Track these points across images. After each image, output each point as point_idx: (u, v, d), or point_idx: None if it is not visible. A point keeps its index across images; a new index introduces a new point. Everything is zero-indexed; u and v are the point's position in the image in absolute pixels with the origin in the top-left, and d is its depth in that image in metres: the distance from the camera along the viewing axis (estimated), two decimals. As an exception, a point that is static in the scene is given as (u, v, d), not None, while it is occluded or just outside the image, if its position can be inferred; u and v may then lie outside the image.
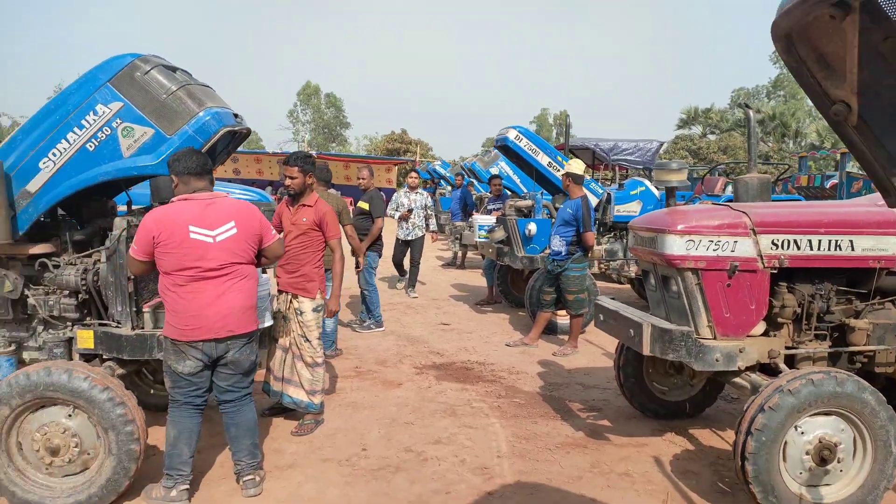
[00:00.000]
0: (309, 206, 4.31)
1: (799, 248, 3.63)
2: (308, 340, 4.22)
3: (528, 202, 7.98)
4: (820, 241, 3.62)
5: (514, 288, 8.45)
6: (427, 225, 9.24)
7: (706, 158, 34.95)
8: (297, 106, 59.81)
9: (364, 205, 7.14)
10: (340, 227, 5.02)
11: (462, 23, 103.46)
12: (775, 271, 3.64)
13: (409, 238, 9.07)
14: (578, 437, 4.29)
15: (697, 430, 4.41)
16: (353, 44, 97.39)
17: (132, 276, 3.37)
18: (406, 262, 9.59)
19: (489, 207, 10.19)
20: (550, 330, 6.97)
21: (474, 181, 14.81)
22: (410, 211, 8.94)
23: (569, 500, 3.44)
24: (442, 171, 20.98)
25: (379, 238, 7.14)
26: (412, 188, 9.21)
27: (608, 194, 8.22)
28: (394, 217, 8.90)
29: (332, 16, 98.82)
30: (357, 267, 6.74)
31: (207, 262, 3.08)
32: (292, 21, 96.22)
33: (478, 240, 8.41)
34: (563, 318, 6.91)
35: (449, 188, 17.38)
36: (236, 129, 3.47)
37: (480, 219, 8.67)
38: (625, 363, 4.55)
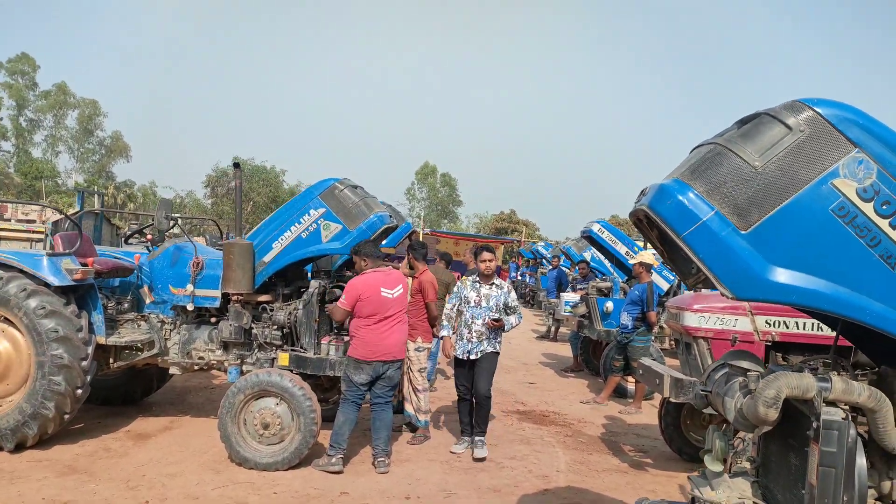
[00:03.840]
0: (417, 277, 6.12)
1: (787, 327, 4.88)
2: (412, 371, 5.91)
3: (608, 283, 9.38)
4: (805, 323, 4.84)
5: (594, 357, 9.73)
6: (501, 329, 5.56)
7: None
8: (415, 184, 64.37)
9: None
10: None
11: (571, 101, 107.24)
12: (769, 343, 4.89)
13: (472, 356, 5.49)
14: (623, 466, 5.57)
15: (722, 472, 5.51)
16: (470, 125, 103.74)
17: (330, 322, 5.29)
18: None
19: (578, 287, 11.61)
20: (621, 394, 8.18)
21: (574, 264, 16.27)
22: (497, 322, 5.44)
23: (602, 499, 4.76)
24: (544, 251, 22.56)
25: None
26: (485, 277, 5.59)
27: (679, 280, 9.42)
28: (445, 323, 5.72)
29: (453, 99, 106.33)
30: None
31: (388, 311, 4.93)
32: (415, 105, 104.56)
33: (563, 313, 9.85)
34: (631, 384, 8.11)
35: (549, 267, 18.93)
36: (390, 225, 5.36)
37: (567, 296, 10.14)
38: (666, 413, 5.80)
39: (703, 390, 2.49)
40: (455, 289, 5.80)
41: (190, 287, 5.38)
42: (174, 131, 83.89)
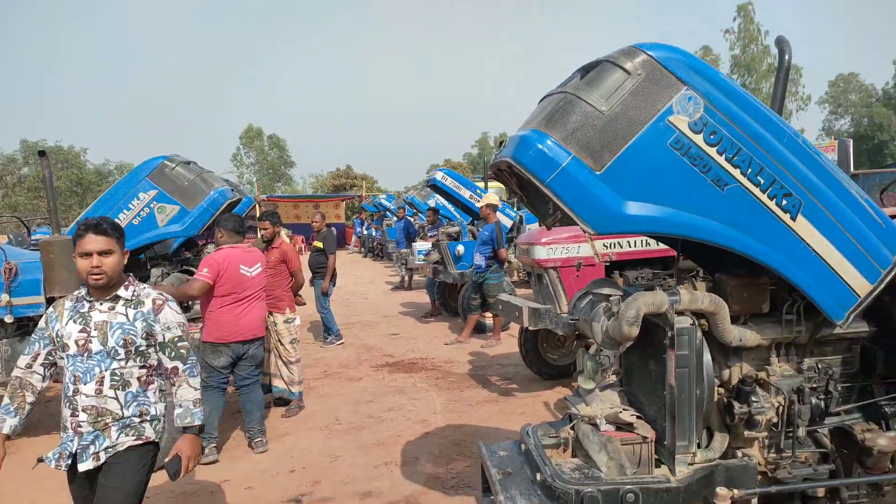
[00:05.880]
0: (276, 247, 5.90)
1: (621, 247, 5.43)
2: (283, 344, 5.75)
3: (457, 228, 9.72)
4: (634, 241, 5.42)
5: (450, 300, 10.12)
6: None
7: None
8: (241, 149, 60.72)
9: (319, 244, 8.60)
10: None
11: (398, 53, 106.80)
12: (608, 263, 5.42)
13: (83, 465, 2.48)
14: (493, 396, 5.95)
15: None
16: (291, 84, 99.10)
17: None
18: None
19: (429, 234, 11.89)
20: (481, 329, 8.64)
21: (418, 213, 16.54)
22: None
23: (480, 430, 5.07)
24: (387, 203, 22.64)
25: (334, 270, 8.59)
26: (99, 291, 2.56)
27: (521, 216, 10.03)
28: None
29: (268, 58, 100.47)
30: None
31: (247, 290, 4.71)
32: (229, 67, 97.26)
33: (417, 262, 10.08)
34: (489, 319, 8.59)
35: (395, 219, 19.09)
36: (233, 200, 5.04)
37: (419, 245, 10.35)
38: (525, 341, 6.25)
39: (571, 319, 2.71)
40: (43, 319, 2.67)
41: (5, 297, 4.68)
42: None
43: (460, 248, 9.02)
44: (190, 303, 5.63)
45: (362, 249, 26.67)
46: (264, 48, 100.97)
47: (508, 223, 9.72)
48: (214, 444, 4.77)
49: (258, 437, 4.94)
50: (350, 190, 39.45)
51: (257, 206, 19.47)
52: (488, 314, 8.48)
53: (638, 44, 2.14)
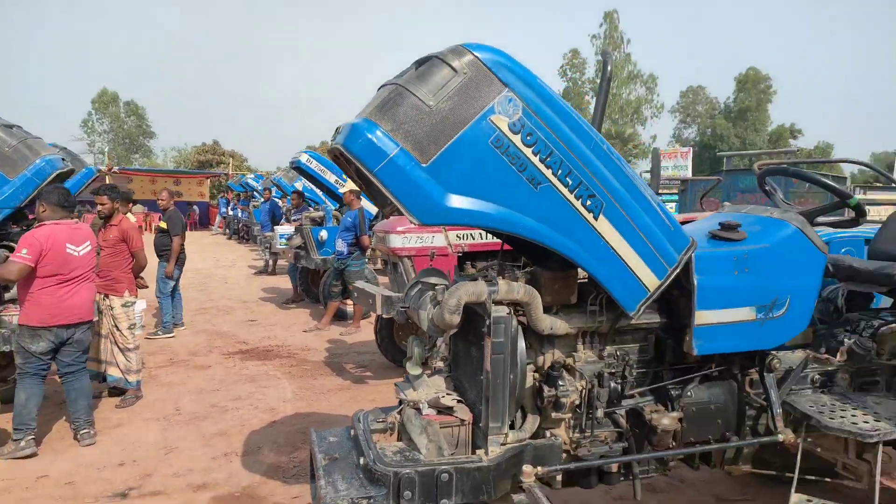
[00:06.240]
0: (115, 225, 5.49)
1: (473, 238, 5.63)
2: (119, 330, 5.37)
3: (321, 213, 9.55)
4: (483, 234, 5.63)
5: (313, 286, 9.95)
6: None
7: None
8: (93, 115, 55.36)
9: (163, 224, 8.00)
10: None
11: (278, 29, 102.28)
12: (461, 254, 5.60)
13: None
14: (346, 384, 5.95)
15: (431, 371, 6.27)
16: (154, 47, 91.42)
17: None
18: None
19: (293, 218, 11.58)
20: (342, 317, 8.58)
21: (286, 195, 16.01)
22: None
23: (328, 418, 5.06)
24: (255, 184, 21.73)
25: (182, 252, 8.04)
26: None
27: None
28: None
29: (127, 15, 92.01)
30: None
31: (74, 271, 4.32)
32: (80, 21, 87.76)
33: (279, 246, 9.79)
34: (350, 306, 8.56)
35: (261, 200, 18.36)
36: (64, 170, 4.60)
37: (281, 229, 10.06)
38: (380, 328, 6.30)
39: (402, 307, 2.78)
40: None
41: None
42: None
43: (323, 234, 8.89)
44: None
45: (227, 231, 25.39)
46: (123, 5, 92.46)
47: (373, 210, 9.70)
48: (33, 437, 4.35)
49: (84, 429, 4.58)
50: (216, 167, 37.33)
51: (107, 178, 17.82)
52: (349, 301, 8.44)
53: (466, 43, 2.22)
